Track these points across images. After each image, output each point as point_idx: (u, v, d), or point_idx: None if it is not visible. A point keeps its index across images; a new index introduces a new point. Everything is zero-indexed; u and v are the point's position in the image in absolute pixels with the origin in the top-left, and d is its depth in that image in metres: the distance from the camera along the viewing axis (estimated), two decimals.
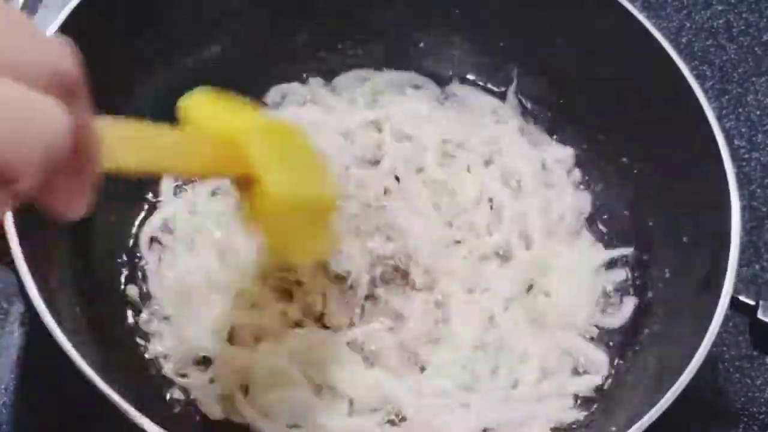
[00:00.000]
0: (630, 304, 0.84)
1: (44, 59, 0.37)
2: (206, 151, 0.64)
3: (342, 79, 0.94)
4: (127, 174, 0.57)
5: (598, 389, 0.80)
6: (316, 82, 0.93)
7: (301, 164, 0.73)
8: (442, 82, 0.95)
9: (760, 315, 0.76)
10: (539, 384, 0.79)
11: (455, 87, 0.95)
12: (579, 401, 0.79)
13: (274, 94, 0.92)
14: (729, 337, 0.87)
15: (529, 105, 0.94)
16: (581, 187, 0.90)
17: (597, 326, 0.83)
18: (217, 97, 0.70)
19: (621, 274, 0.86)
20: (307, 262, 0.80)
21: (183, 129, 0.65)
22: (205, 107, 0.69)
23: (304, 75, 0.93)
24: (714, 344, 0.70)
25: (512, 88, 0.94)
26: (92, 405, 0.63)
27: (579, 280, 0.85)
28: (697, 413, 0.83)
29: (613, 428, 0.72)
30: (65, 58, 0.38)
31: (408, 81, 0.94)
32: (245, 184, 0.66)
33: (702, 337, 0.70)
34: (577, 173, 0.91)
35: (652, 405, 0.67)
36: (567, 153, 0.92)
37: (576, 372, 0.81)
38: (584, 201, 0.90)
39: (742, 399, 0.86)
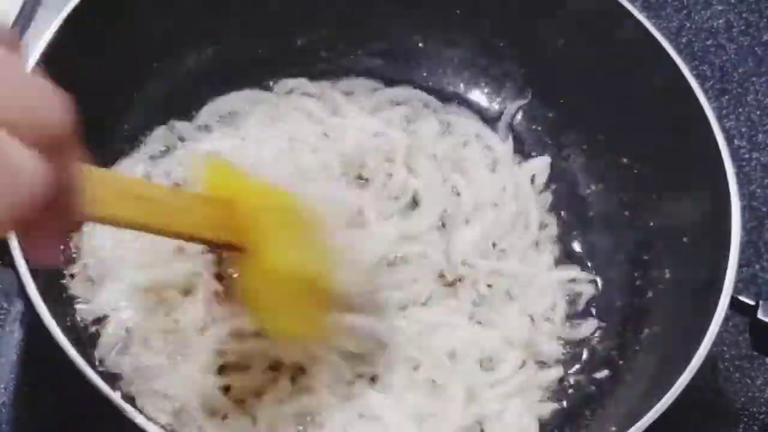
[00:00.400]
0: (592, 323, 0.83)
1: (33, 114, 0.38)
2: (203, 212, 0.63)
3: (347, 84, 0.93)
4: (118, 226, 0.56)
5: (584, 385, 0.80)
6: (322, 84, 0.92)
7: (301, 239, 0.71)
8: (441, 92, 0.94)
9: (760, 315, 0.76)
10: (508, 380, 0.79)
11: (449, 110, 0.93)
12: (549, 394, 0.79)
13: (280, 87, 0.91)
14: (729, 337, 0.87)
15: (528, 107, 0.94)
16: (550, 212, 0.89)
17: (561, 338, 0.82)
18: (228, 167, 0.70)
19: (588, 289, 0.85)
20: (298, 340, 0.74)
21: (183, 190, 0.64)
22: (215, 173, 0.69)
23: (305, 75, 0.92)
24: (714, 344, 0.70)
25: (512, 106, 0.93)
26: (92, 405, 0.63)
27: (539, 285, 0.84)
28: (697, 413, 0.83)
29: (613, 428, 0.71)
30: (55, 111, 0.39)
31: (410, 97, 0.93)
32: (236, 251, 0.65)
33: (702, 337, 0.70)
34: (547, 195, 0.90)
35: (652, 405, 0.67)
36: (543, 163, 0.91)
37: (539, 366, 0.80)
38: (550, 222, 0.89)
39: (742, 399, 0.86)
